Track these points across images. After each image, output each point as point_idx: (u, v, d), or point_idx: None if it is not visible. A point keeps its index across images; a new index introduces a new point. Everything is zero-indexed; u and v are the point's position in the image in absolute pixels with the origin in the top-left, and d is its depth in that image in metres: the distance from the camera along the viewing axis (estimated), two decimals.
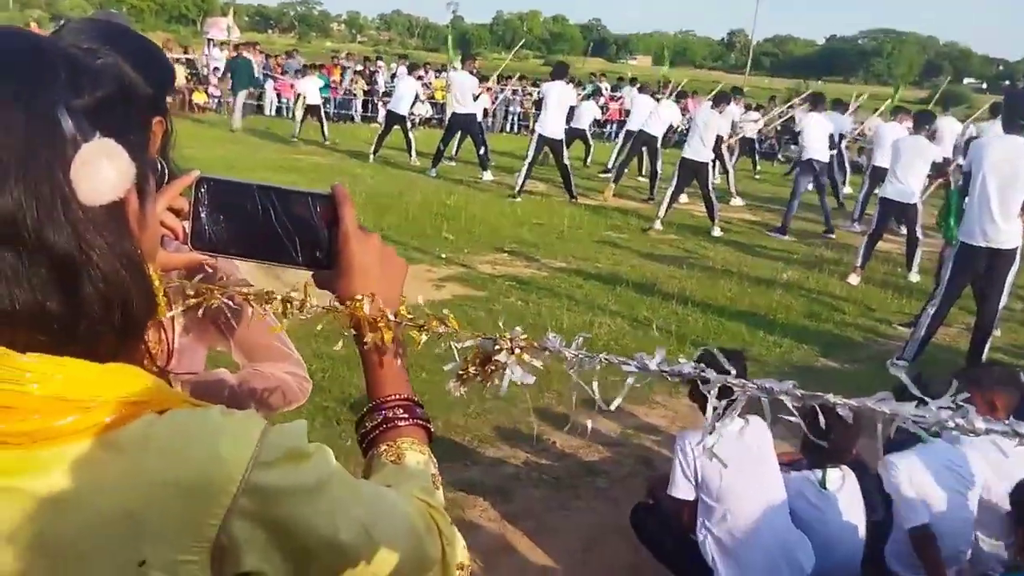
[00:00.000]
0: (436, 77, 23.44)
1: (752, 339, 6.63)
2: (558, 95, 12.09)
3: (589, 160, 17.00)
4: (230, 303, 1.12)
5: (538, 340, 0.99)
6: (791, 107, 16.58)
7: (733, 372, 0.87)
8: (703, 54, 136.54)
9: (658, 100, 13.74)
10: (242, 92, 17.66)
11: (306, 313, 1.07)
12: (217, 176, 1.00)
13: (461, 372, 1.03)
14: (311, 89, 17.11)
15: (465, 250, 8.72)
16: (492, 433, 4.62)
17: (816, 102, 12.47)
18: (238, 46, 20.39)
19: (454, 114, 14.00)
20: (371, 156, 14.65)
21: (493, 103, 22.62)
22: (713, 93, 13.05)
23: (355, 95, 22.63)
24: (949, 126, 14.11)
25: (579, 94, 16.96)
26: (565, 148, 12.37)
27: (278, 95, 22.30)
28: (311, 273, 1.02)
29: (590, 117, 16.60)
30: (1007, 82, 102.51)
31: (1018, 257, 6.04)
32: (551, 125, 12.02)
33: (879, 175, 10.57)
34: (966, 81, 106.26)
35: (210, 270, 1.19)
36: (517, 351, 0.99)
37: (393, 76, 24.05)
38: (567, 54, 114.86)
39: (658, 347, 0.94)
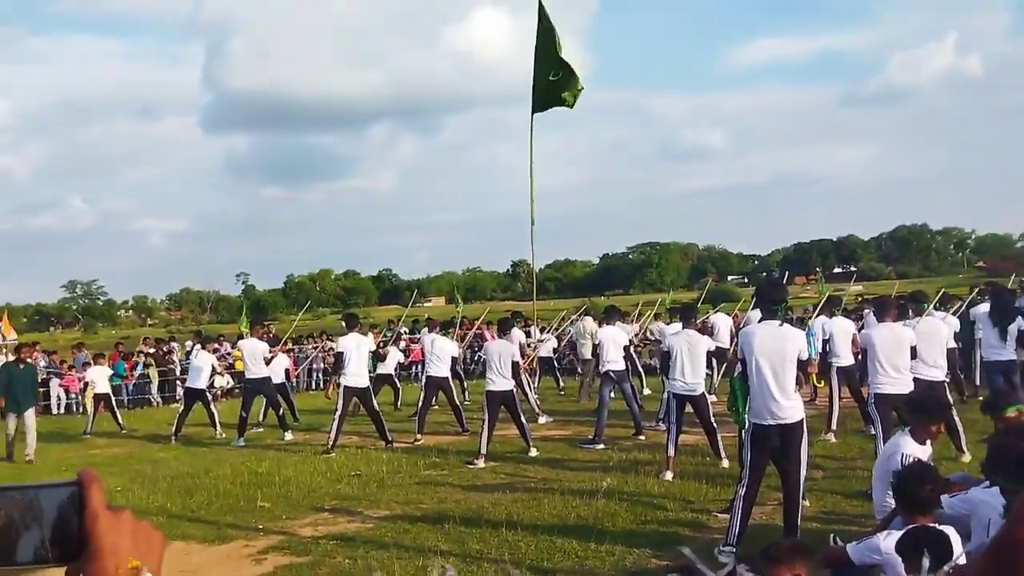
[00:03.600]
0: (232, 347, 23.20)
1: (585, 552, 6.65)
2: (356, 345, 12.25)
3: (399, 403, 17.06)
4: None
5: None
6: (564, 320, 17.86)
7: None
8: (492, 286, 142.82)
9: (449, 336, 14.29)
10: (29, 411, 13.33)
11: None
12: None
13: None
14: (99, 378, 16.44)
15: (283, 516, 8.38)
16: None
17: (610, 316, 13.27)
18: (19, 348, 15.80)
19: (247, 380, 13.99)
20: (172, 438, 14.08)
21: (295, 364, 22.59)
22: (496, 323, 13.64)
23: (150, 379, 21.96)
24: (722, 321, 15.49)
25: (380, 341, 17.32)
26: (373, 395, 12.40)
27: (65, 391, 21.28)
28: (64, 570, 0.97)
29: (394, 361, 16.88)
30: (764, 274, 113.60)
31: (806, 429, 6.54)
32: (354, 375, 12.08)
33: None
34: (729, 279, 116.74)
35: None
36: None
37: (188, 354, 23.65)
38: (362, 306, 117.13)
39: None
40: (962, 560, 3.76)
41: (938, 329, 9.56)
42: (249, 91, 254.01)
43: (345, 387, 12.06)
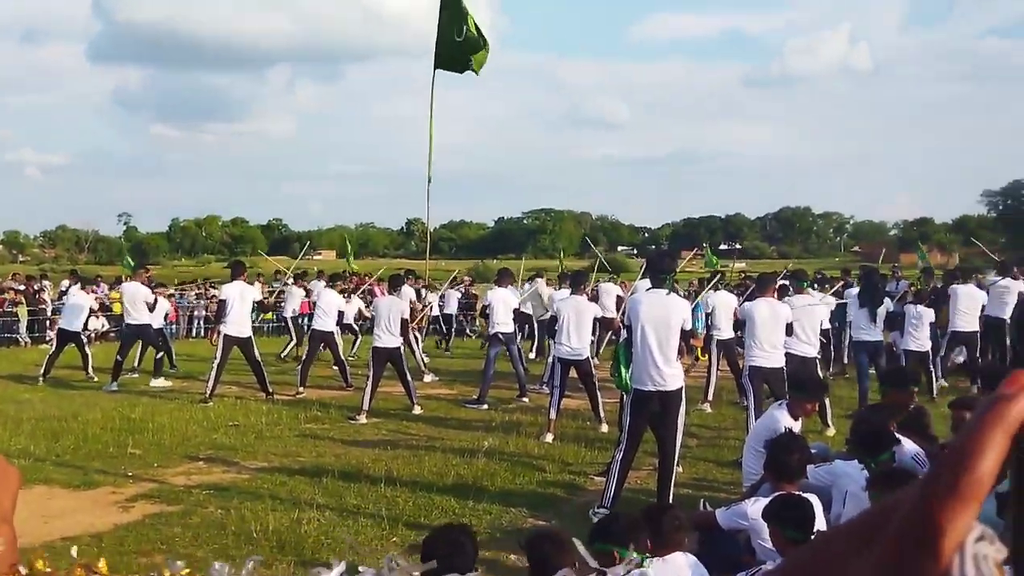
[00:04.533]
0: (111, 289, 22.33)
1: (462, 510, 6.69)
2: (239, 293, 11.95)
3: (284, 354, 16.78)
4: None
5: (201, 572, 0.90)
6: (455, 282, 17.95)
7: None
8: (385, 243, 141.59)
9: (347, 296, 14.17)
10: None
11: None
12: None
13: None
14: None
15: (155, 464, 8.13)
16: None
17: (501, 278, 13.32)
18: None
19: (127, 324, 13.57)
20: (41, 378, 13.47)
21: (176, 310, 21.92)
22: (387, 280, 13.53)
23: (18, 317, 20.91)
24: (609, 290, 15.85)
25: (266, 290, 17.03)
26: (255, 344, 12.13)
27: None
28: None
29: (289, 310, 16.67)
30: (653, 246, 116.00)
31: (683, 397, 6.72)
32: (236, 323, 11.81)
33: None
34: (620, 249, 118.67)
35: None
36: None
37: (62, 294, 22.63)
38: (250, 255, 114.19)
39: (334, 560, 0.89)
40: (822, 526, 3.93)
41: (814, 307, 9.95)
42: (143, 23, 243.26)
43: (225, 335, 11.75)
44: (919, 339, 11.82)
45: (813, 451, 5.48)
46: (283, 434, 9.62)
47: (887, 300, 12.03)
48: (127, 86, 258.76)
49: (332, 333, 13.23)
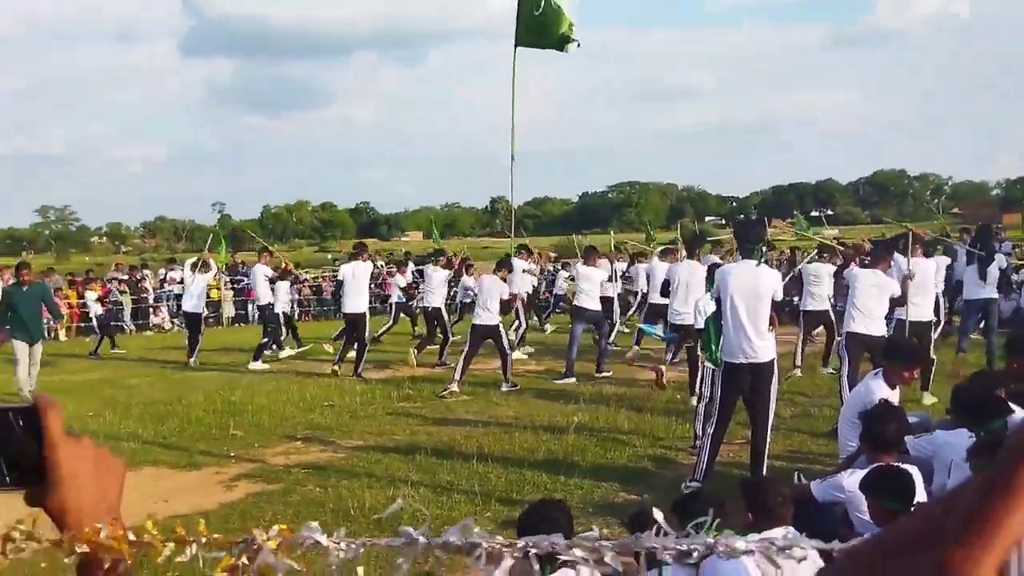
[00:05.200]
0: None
1: (554, 485, 6.73)
2: (352, 271, 12.54)
3: (379, 334, 17.12)
4: None
5: (295, 531, 0.94)
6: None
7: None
8: (470, 223, 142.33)
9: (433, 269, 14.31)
10: (19, 344, 11.10)
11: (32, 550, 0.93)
12: None
13: None
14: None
15: (255, 444, 8.41)
16: None
17: (588, 255, 13.28)
18: (20, 266, 12.37)
19: (259, 306, 15.06)
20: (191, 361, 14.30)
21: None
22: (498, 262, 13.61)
23: (122, 305, 21.77)
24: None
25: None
26: (366, 324, 12.45)
27: None
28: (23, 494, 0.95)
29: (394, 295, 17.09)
30: (741, 216, 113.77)
31: (776, 368, 6.59)
32: (349, 300, 12.45)
33: (654, 309, 11.79)
34: (707, 219, 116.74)
35: None
36: (273, 545, 0.92)
37: (162, 282, 23.54)
38: (339, 239, 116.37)
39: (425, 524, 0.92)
40: (923, 498, 3.83)
41: (927, 270, 9.66)
42: (230, 16, 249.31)
43: (344, 313, 12.64)
44: None
45: (913, 421, 5.33)
46: (377, 413, 9.81)
47: (1000, 257, 11.63)
48: (216, 79, 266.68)
49: (439, 309, 13.75)
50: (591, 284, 12.20)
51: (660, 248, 15.97)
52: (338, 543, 0.90)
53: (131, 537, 0.93)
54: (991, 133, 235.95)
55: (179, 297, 23.15)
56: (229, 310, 23.25)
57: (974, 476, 0.48)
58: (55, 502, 0.95)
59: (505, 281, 11.66)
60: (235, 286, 23.55)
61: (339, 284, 12.88)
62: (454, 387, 10.67)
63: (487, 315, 11.13)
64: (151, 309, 22.78)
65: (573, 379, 11.48)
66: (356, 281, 12.51)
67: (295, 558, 0.92)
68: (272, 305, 14.70)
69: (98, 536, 0.93)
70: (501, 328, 11.28)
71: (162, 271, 24.78)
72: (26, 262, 13.61)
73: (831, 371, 10.74)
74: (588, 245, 14.50)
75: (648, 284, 12.91)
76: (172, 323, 22.66)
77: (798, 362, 11.18)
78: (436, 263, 14.64)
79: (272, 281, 14.51)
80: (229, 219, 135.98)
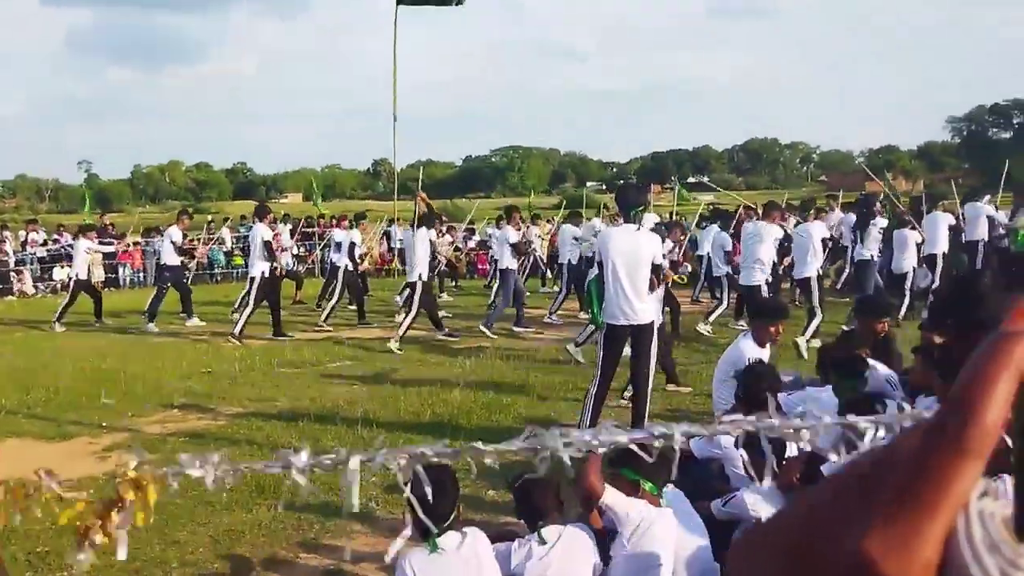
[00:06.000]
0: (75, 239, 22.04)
1: None
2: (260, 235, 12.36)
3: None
4: None
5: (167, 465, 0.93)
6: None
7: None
8: (352, 185, 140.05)
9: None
10: None
11: None
12: None
13: (83, 531, 0.92)
14: None
15: (129, 413, 8.10)
16: None
17: (508, 215, 13.79)
18: None
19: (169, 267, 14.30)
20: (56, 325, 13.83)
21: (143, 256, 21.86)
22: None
23: None
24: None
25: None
26: (255, 285, 12.20)
27: None
28: None
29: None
30: (621, 181, 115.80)
31: (655, 331, 6.76)
32: (259, 265, 12.27)
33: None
34: (588, 184, 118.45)
35: None
36: (143, 483, 0.91)
37: (24, 244, 22.37)
38: (216, 200, 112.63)
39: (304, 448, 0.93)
40: (793, 453, 4.01)
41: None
42: None
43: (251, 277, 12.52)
44: (902, 260, 12.61)
45: (786, 379, 5.56)
46: (257, 379, 9.60)
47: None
48: (80, 26, 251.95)
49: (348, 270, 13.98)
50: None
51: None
52: (212, 471, 0.89)
53: None
54: (856, 104, 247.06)
55: (42, 260, 22.08)
56: (99, 273, 22.21)
57: (899, 438, 0.43)
58: None
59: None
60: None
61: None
62: (394, 344, 11.09)
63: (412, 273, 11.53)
64: (12, 274, 21.56)
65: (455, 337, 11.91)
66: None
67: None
68: (178, 267, 14.39)
69: None
70: (419, 285, 11.44)
71: (22, 233, 23.43)
72: None
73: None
74: (508, 206, 14.62)
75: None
76: (36, 288, 21.56)
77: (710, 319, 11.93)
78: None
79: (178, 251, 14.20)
80: (97, 178, 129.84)
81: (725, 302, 12.39)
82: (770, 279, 10.34)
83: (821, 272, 11.29)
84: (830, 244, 12.45)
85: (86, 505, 0.90)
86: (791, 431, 0.86)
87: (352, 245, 13.98)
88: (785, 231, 11.80)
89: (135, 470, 0.90)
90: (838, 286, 15.04)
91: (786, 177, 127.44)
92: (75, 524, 0.91)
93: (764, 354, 5.85)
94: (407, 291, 12.09)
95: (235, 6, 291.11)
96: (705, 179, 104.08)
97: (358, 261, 14.31)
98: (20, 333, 13.76)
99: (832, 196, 16.98)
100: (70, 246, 17.20)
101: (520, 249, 13.18)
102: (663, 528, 3.46)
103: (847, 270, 14.91)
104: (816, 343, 9.44)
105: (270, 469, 0.91)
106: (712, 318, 11.87)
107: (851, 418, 0.86)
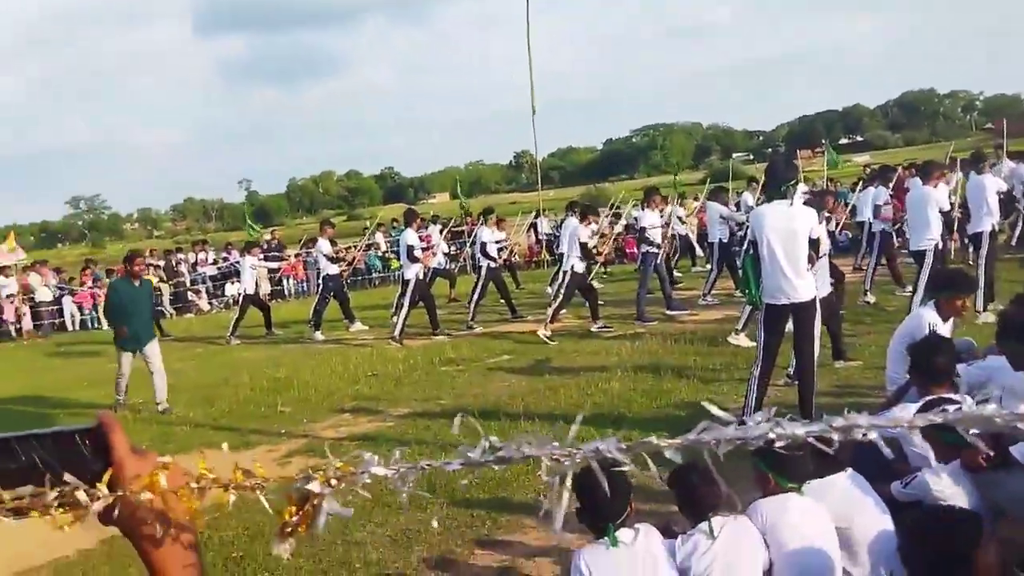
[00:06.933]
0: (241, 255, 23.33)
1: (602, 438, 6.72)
2: (407, 240, 12.77)
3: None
4: None
5: (354, 465, 0.98)
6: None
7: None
8: (495, 179, 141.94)
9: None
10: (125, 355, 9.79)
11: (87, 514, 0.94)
12: None
13: (283, 525, 1.00)
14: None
15: (304, 420, 8.52)
16: None
17: (648, 197, 13.45)
18: (130, 258, 10.32)
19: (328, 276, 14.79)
20: (230, 339, 14.76)
21: (304, 267, 22.88)
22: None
23: (160, 292, 22.09)
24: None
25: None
26: (409, 288, 12.61)
27: (79, 308, 21.47)
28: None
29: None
30: (769, 150, 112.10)
31: (817, 307, 6.53)
32: (413, 267, 12.62)
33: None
34: (734, 156, 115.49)
35: None
36: (333, 482, 0.97)
37: (194, 265, 23.78)
38: (367, 206, 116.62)
39: (484, 438, 0.95)
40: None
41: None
42: None
43: (404, 279, 12.86)
44: None
45: (960, 347, 5.25)
46: (421, 379, 9.88)
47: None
48: (230, 55, 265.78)
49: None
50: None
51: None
52: (396, 468, 0.93)
53: (193, 485, 0.98)
54: (1020, 44, 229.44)
55: (213, 278, 23.48)
56: (265, 287, 23.45)
57: None
58: (125, 513, 0.96)
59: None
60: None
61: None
62: (543, 332, 11.38)
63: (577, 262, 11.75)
64: (189, 293, 23.01)
65: (653, 322, 11.98)
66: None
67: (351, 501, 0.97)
68: (337, 275, 14.94)
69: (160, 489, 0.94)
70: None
71: (191, 255, 24.97)
72: (139, 251, 11.46)
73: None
74: (649, 187, 14.39)
75: None
76: (211, 304, 22.92)
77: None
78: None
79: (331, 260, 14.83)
80: (256, 195, 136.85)
81: (874, 263, 12.02)
82: (939, 245, 9.73)
83: (996, 228, 10.56)
84: (1002, 197, 11.60)
85: (288, 502, 0.97)
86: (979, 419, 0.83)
87: (483, 244, 13.97)
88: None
89: (327, 471, 0.97)
90: (1013, 242, 14.07)
91: (948, 128, 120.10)
92: (273, 526, 0.98)
93: (947, 329, 5.53)
94: (558, 280, 12.16)
95: (369, 16, 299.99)
96: (859, 138, 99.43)
97: (496, 256, 14.32)
98: (200, 349, 14.70)
99: (1000, 145, 15.82)
100: (238, 263, 18.27)
101: (587, 252, 12.18)
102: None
103: (1020, 224, 13.92)
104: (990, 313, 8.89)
105: (449, 467, 0.94)
106: (868, 284, 11.62)
107: None
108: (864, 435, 0.81)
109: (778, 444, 0.90)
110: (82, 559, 5.42)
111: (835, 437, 0.89)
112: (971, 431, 0.90)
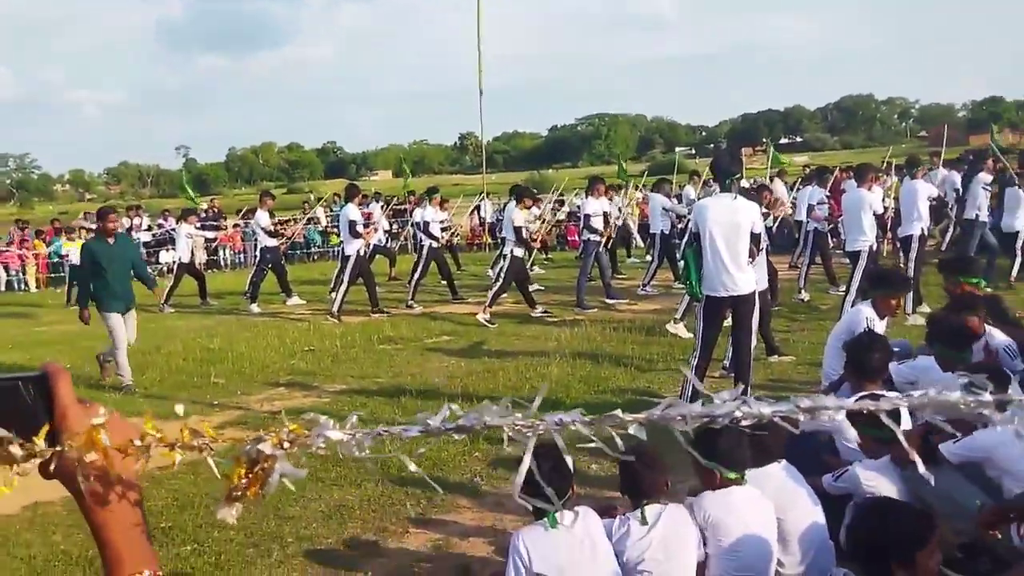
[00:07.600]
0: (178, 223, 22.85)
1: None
2: (347, 216, 12.60)
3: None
4: None
5: (309, 428, 0.97)
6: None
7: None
8: (439, 159, 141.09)
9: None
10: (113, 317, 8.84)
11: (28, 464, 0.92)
12: None
13: (232, 489, 0.98)
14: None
15: (238, 392, 8.40)
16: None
17: (592, 185, 13.39)
18: (103, 214, 9.58)
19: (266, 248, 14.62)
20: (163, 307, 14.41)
21: (242, 239, 22.47)
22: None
23: None
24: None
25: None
26: (349, 264, 12.40)
27: (5, 268, 20.82)
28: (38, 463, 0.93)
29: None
30: (711, 145, 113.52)
31: (756, 300, 6.64)
32: (353, 243, 12.46)
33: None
34: (677, 150, 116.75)
35: None
36: (286, 445, 0.96)
37: (129, 230, 23.20)
38: (308, 179, 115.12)
39: (445, 406, 0.96)
40: (907, 425, 3.89)
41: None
42: None
43: (344, 256, 12.70)
44: (1013, 219, 12.08)
45: (895, 348, 5.39)
46: (358, 356, 9.80)
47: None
48: (171, 17, 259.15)
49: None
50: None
51: None
52: (352, 434, 0.93)
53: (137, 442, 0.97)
54: (956, 55, 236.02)
55: (148, 245, 22.93)
56: (201, 256, 22.97)
57: None
58: (66, 468, 0.95)
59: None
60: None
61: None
62: (482, 315, 11.31)
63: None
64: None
65: (591, 309, 12.02)
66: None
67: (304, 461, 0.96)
68: (276, 248, 14.72)
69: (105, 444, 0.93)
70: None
71: (125, 220, 24.32)
72: (112, 207, 10.25)
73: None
74: (593, 176, 14.39)
75: None
76: None
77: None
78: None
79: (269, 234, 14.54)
80: (194, 163, 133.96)
81: (808, 261, 12.33)
82: (874, 246, 9.94)
83: (926, 232, 10.85)
84: (934, 203, 11.92)
85: (237, 464, 0.95)
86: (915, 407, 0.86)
87: (426, 223, 13.85)
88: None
89: (280, 433, 0.95)
90: (943, 247, 14.49)
91: (884, 134, 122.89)
92: (204, 497, 0.96)
93: (883, 327, 5.66)
94: (499, 263, 12.15)
95: None
96: (798, 139, 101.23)
97: (439, 236, 14.17)
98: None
99: (935, 153, 16.27)
100: (173, 230, 17.85)
101: (520, 237, 11.63)
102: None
103: (951, 230, 14.33)
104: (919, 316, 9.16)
105: (407, 433, 0.93)
106: (802, 283, 12.03)
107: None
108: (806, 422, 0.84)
109: (744, 423, 0.92)
110: (3, 525, 5.27)
111: (800, 418, 0.92)
112: (901, 428, 0.94)
